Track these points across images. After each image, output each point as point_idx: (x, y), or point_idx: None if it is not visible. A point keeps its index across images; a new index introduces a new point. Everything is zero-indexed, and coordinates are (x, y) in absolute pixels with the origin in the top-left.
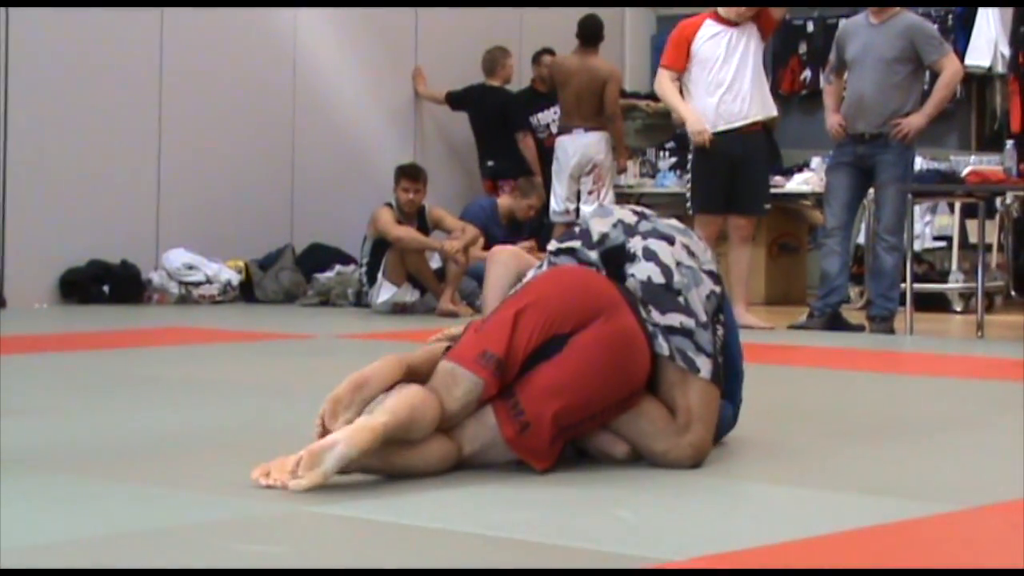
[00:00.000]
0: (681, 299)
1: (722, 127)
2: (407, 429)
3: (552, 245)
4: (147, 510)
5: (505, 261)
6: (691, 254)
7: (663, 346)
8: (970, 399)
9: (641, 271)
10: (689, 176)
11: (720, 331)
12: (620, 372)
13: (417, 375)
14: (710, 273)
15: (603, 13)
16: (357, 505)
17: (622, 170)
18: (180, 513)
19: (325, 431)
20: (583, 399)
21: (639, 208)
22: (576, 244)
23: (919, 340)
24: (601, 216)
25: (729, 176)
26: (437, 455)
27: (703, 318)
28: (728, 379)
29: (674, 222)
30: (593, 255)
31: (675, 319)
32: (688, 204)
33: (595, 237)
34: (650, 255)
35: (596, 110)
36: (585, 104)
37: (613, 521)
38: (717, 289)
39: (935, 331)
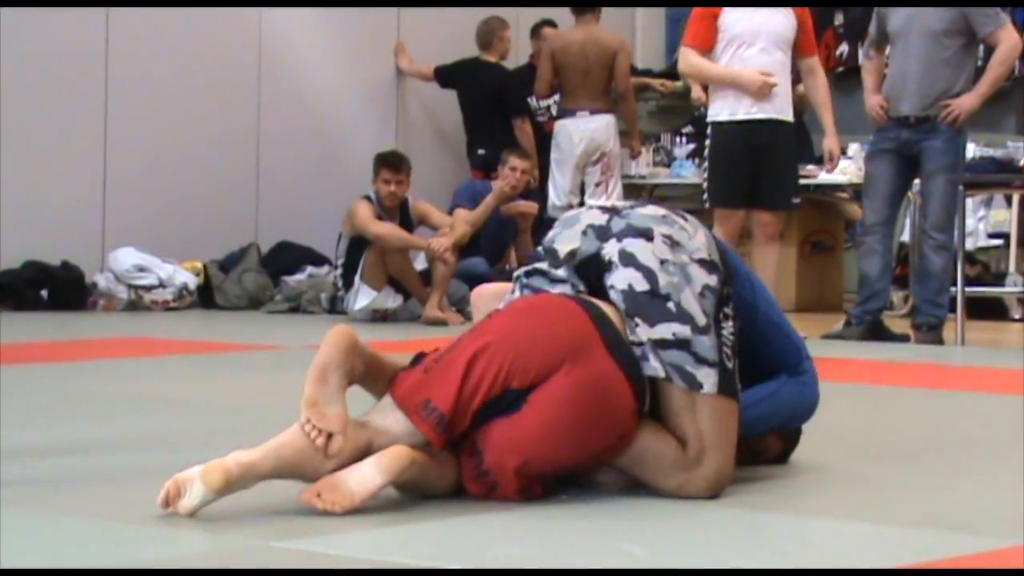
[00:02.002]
0: (671, 304)
1: (742, 115)
2: (293, 466)
3: (520, 269)
4: (94, 546)
5: (486, 307)
6: (675, 245)
7: (656, 367)
8: None
9: (620, 280)
10: (706, 165)
11: (728, 328)
12: (590, 426)
13: (362, 349)
14: (702, 262)
15: None
16: (329, 540)
17: (636, 155)
18: (130, 549)
19: (323, 434)
20: (548, 458)
21: (610, 203)
22: (543, 265)
23: (971, 352)
24: (565, 228)
25: (752, 166)
26: (451, 481)
27: (701, 321)
28: (780, 352)
29: (651, 210)
30: (563, 272)
31: (666, 330)
32: (705, 197)
33: (562, 255)
34: (627, 259)
35: (604, 89)
36: (593, 81)
37: (621, 556)
38: (712, 281)
39: (990, 341)
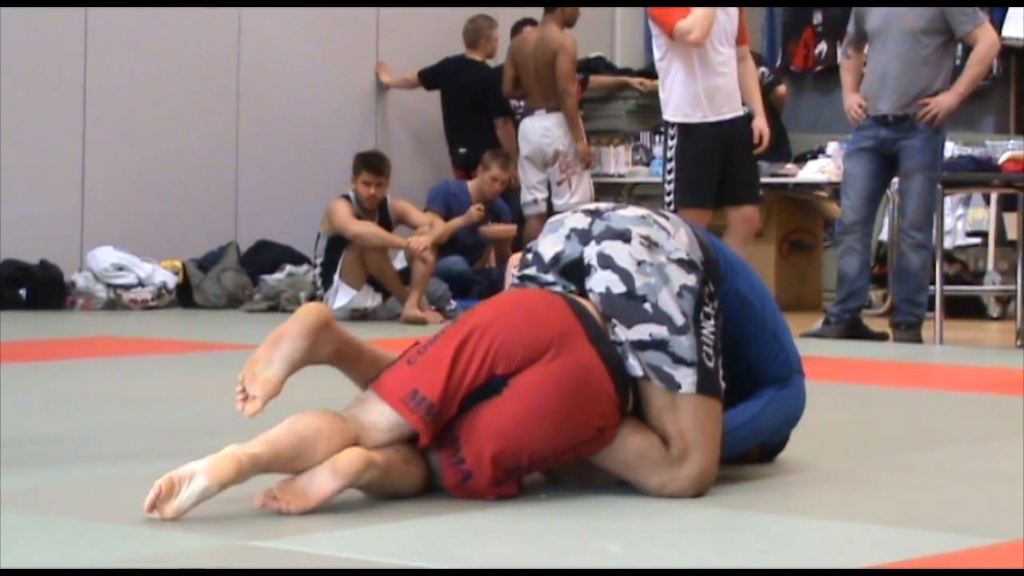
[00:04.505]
0: (647, 306)
1: (714, 118)
2: (288, 460)
3: (512, 276)
4: (72, 546)
5: None
6: (652, 245)
7: (635, 366)
8: (1008, 417)
9: (598, 283)
10: (672, 167)
11: (709, 327)
12: (570, 414)
13: (337, 332)
14: (680, 262)
15: None
16: (311, 539)
17: (586, 159)
18: (110, 549)
19: (246, 396)
20: (526, 444)
21: (594, 206)
22: (532, 271)
23: (950, 350)
24: (550, 232)
25: (723, 164)
26: (419, 479)
27: (679, 321)
28: (772, 363)
29: (631, 211)
30: (551, 277)
31: (643, 331)
32: (669, 200)
33: (547, 259)
34: (605, 262)
35: (554, 87)
36: (544, 80)
37: (601, 555)
38: (691, 281)
39: (968, 340)
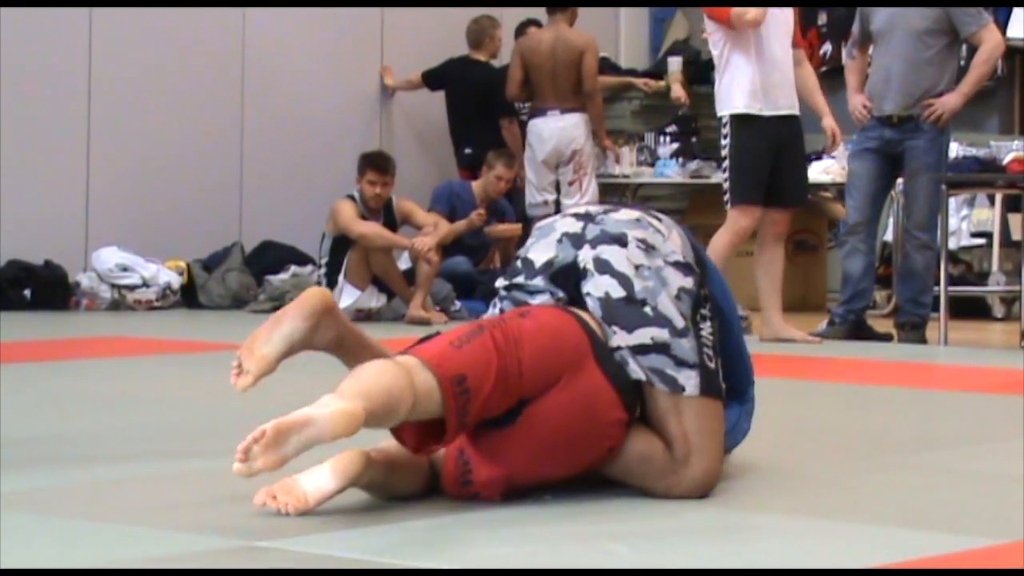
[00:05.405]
0: (648, 309)
1: (769, 112)
2: (382, 417)
3: (500, 282)
4: (78, 546)
5: None
6: (649, 249)
7: (636, 371)
8: (1012, 418)
9: (597, 287)
10: (727, 164)
11: (707, 328)
12: (581, 443)
13: (340, 319)
14: (677, 265)
15: None
16: (319, 540)
17: (608, 149)
18: (116, 550)
19: (242, 370)
20: (538, 474)
21: (583, 209)
22: (520, 279)
23: (954, 351)
24: (541, 238)
25: (773, 163)
26: (420, 479)
27: (679, 324)
28: (734, 373)
29: (624, 214)
30: (540, 282)
31: (645, 335)
32: (726, 196)
33: (538, 265)
34: (603, 267)
35: (573, 88)
36: (561, 81)
37: (605, 556)
38: (688, 283)
39: (972, 340)
